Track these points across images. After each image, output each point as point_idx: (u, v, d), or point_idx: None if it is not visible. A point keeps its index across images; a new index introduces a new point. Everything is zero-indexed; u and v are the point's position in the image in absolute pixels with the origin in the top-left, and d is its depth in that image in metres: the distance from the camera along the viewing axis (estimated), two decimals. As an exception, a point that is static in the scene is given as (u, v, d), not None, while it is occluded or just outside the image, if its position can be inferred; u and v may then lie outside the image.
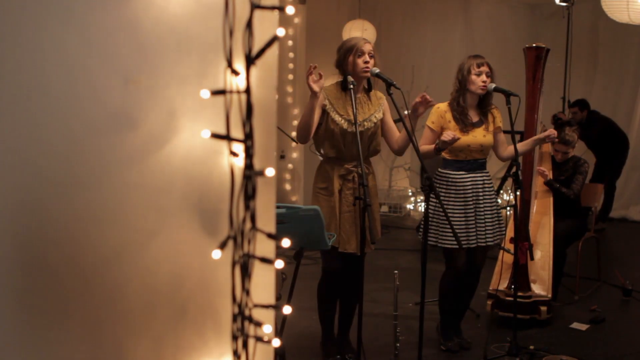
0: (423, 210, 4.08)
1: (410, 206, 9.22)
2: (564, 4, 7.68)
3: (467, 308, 4.45)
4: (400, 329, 4.31)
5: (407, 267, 6.17)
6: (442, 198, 4.07)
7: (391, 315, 3.69)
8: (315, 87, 3.45)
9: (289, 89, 8.12)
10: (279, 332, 3.60)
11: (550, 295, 4.69)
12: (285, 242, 1.30)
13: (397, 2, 9.51)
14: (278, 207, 3.37)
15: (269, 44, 1.22)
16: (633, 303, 5.30)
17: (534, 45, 4.72)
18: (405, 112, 4.34)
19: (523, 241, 4.58)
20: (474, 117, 4.11)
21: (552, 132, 4.25)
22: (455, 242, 3.97)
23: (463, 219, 4.06)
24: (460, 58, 4.22)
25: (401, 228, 8.22)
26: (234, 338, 1.25)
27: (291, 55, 8.11)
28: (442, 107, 4.13)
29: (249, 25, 1.19)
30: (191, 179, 1.35)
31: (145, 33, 1.29)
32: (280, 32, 1.24)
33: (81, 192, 1.30)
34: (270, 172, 1.23)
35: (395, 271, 3.62)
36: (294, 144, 7.62)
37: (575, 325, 4.72)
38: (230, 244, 1.26)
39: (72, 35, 1.26)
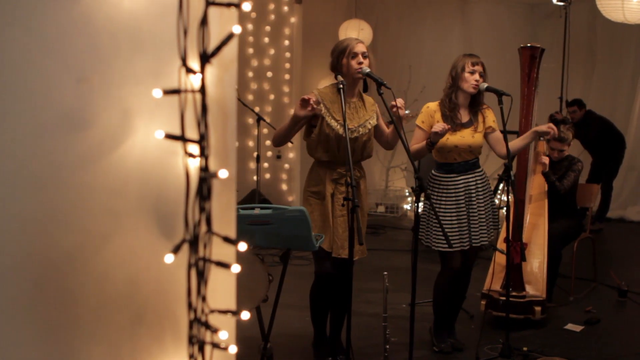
0: (420, 211, 4.04)
1: (407, 206, 9.19)
2: (561, 3, 7.63)
3: (459, 309, 4.41)
4: (393, 330, 4.29)
5: (402, 268, 6.13)
6: (434, 200, 4.04)
7: (384, 316, 3.67)
8: (300, 113, 3.49)
9: (286, 89, 8.10)
10: (266, 334, 3.59)
11: (544, 296, 4.65)
12: (242, 246, 1.26)
13: (394, 1, 9.48)
14: (264, 208, 3.37)
15: (225, 42, 1.19)
16: (629, 304, 5.25)
17: (528, 45, 4.68)
18: (407, 112, 4.30)
19: (516, 241, 4.55)
20: (464, 117, 4.07)
21: (552, 126, 4.14)
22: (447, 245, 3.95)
23: (455, 221, 4.03)
24: (459, 56, 4.17)
25: (398, 228, 8.19)
26: (191, 344, 1.22)
27: (288, 55, 8.09)
28: (432, 106, 4.09)
29: (203, 22, 1.16)
30: (147, 181, 1.32)
31: (98, 31, 1.26)
32: (237, 29, 1.21)
33: (32, 194, 1.26)
34: (223, 173, 1.20)
35: (385, 272, 3.58)
36: (290, 144, 7.59)
37: (570, 326, 4.68)
38: (186, 247, 1.23)
39: (22, 32, 1.23)
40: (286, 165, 8.17)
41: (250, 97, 8.02)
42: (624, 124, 8.67)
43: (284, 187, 8.25)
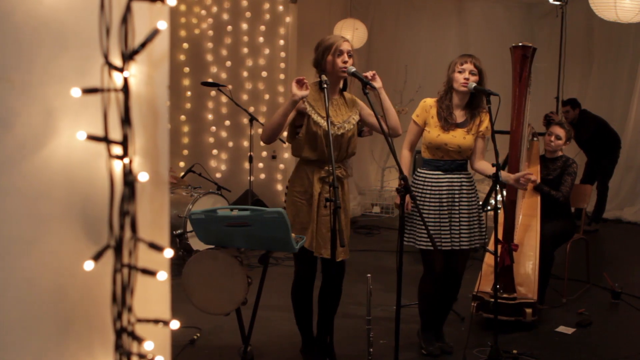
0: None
1: (402, 207, 9.13)
2: (557, 2, 7.57)
3: (448, 312, 4.36)
4: (383, 332, 4.26)
5: (395, 269, 6.07)
6: (418, 198, 4.00)
7: (376, 318, 3.63)
8: (299, 93, 3.40)
9: (281, 89, 8.05)
10: (246, 337, 3.54)
11: (535, 298, 4.60)
12: (168, 253, 1.21)
13: (390, 1, 9.43)
14: (243, 210, 3.32)
15: (148, 39, 1.14)
16: (622, 306, 5.19)
17: (520, 44, 4.64)
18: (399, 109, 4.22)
19: (506, 242, 4.49)
20: (460, 117, 4.03)
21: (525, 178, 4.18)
22: (430, 244, 3.91)
23: (437, 220, 3.98)
24: (455, 58, 4.13)
25: (393, 229, 8.12)
26: (118, 354, 1.18)
27: (283, 54, 8.04)
28: (429, 101, 4.07)
29: (125, 18, 1.11)
30: (72, 184, 1.26)
31: (19, 26, 1.20)
32: (162, 25, 1.16)
33: (-51, 198, 1.22)
34: (143, 176, 1.15)
35: (368, 275, 3.54)
36: (285, 144, 7.56)
37: (562, 328, 4.62)
38: (111, 254, 1.18)
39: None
40: (281, 166, 8.13)
41: (245, 96, 7.99)
42: (621, 123, 8.60)
43: (279, 187, 8.20)
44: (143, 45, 1.14)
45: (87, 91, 1.17)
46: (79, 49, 1.24)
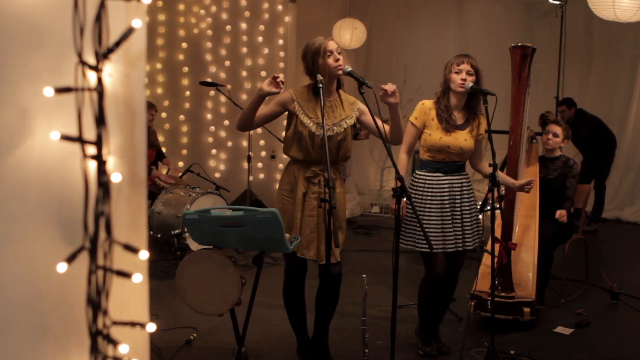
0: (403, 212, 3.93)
1: (402, 207, 9.10)
2: (557, 2, 7.55)
3: (444, 312, 4.34)
4: (381, 333, 4.23)
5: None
6: (418, 201, 3.98)
7: (373, 319, 3.60)
8: (265, 88, 3.41)
9: (279, 89, 8.04)
10: (240, 338, 3.53)
11: (534, 297, 4.57)
12: (144, 254, 1.20)
13: (389, 0, 9.40)
14: (236, 210, 3.31)
15: (123, 37, 1.12)
16: (620, 307, 5.16)
17: (519, 44, 4.62)
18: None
19: (503, 241, 4.47)
20: (460, 119, 4.00)
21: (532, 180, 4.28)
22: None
23: (439, 222, 3.95)
24: (451, 58, 4.11)
25: (392, 229, 8.07)
26: (94, 357, 1.16)
27: (282, 54, 8.03)
28: (427, 103, 4.02)
29: (99, 16, 1.10)
30: (47, 184, 1.25)
31: (-9, 25, 1.19)
32: (137, 23, 1.14)
33: None
34: (116, 177, 1.13)
35: (364, 275, 3.52)
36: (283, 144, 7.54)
37: (560, 329, 4.60)
38: (86, 255, 1.16)
39: None
40: (280, 165, 8.11)
41: (244, 96, 7.97)
42: (620, 123, 8.57)
43: (278, 187, 8.19)
44: (117, 43, 1.12)
45: (60, 90, 1.16)
46: (53, 47, 1.22)
